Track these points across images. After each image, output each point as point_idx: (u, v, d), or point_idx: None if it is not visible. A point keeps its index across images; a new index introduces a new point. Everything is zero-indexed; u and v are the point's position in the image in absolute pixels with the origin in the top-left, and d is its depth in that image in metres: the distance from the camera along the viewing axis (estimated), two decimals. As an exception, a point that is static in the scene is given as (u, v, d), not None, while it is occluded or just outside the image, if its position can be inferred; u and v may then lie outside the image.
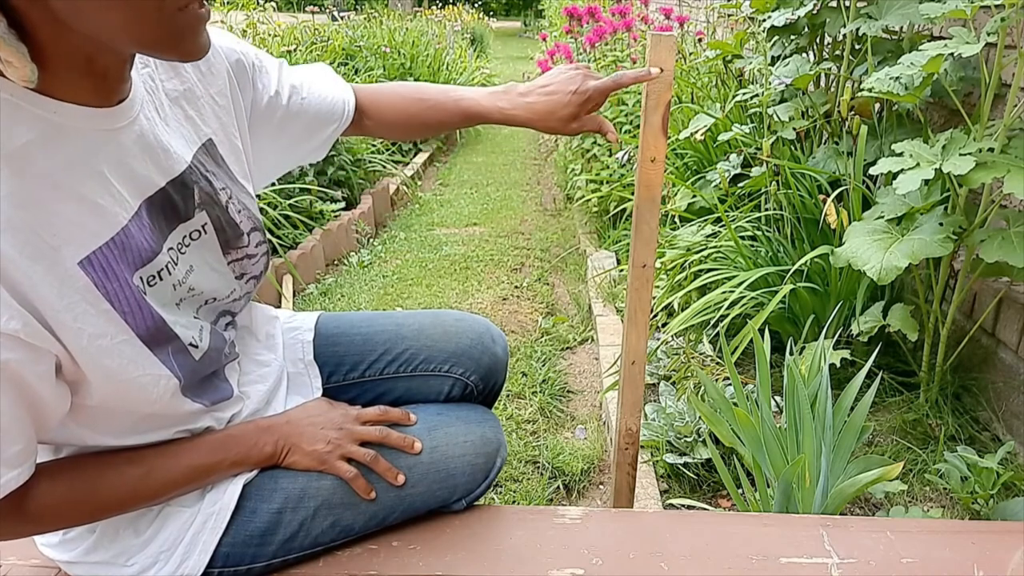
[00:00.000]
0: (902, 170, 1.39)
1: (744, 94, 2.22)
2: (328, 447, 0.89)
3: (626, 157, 2.85)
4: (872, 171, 1.54)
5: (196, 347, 0.78)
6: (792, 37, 2.24)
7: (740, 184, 2.26)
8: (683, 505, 1.53)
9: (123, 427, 0.78)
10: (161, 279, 0.75)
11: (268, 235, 2.94)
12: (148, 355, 0.72)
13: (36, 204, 0.64)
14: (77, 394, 0.71)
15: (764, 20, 2.16)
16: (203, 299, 0.82)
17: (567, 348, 2.42)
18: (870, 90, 1.54)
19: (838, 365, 1.65)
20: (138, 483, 0.78)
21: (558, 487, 1.72)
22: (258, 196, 1.07)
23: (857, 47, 1.99)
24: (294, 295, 2.77)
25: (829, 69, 2.08)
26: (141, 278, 0.72)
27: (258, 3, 4.33)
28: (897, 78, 1.52)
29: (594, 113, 1.03)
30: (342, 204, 3.42)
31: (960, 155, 1.36)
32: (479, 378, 1.09)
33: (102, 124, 0.69)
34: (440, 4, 13.75)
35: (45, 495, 0.73)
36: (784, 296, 1.79)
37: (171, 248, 0.77)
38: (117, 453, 0.79)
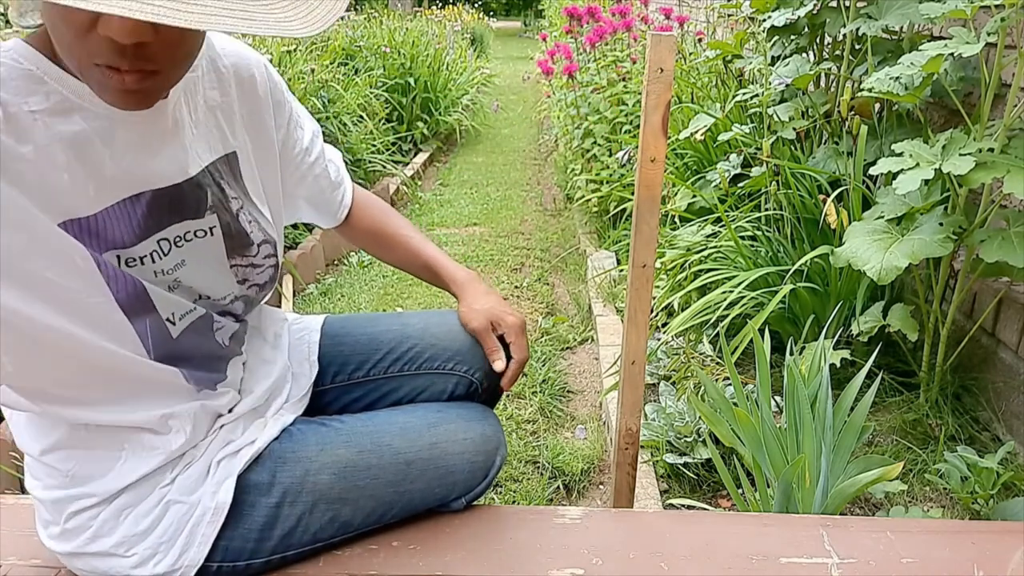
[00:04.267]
0: (902, 170, 1.39)
1: (744, 94, 2.22)
2: None
3: (626, 157, 2.85)
4: (872, 171, 1.54)
5: (173, 324, 0.79)
6: (792, 37, 2.24)
7: (740, 184, 2.26)
8: (683, 505, 1.53)
9: (96, 391, 0.78)
10: (142, 264, 0.76)
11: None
12: (124, 321, 0.74)
13: (32, 165, 0.66)
14: None
15: (764, 20, 2.16)
16: (195, 294, 0.83)
17: (567, 348, 2.42)
18: (870, 90, 1.54)
19: (838, 365, 1.65)
20: None
21: (558, 487, 1.72)
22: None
23: (857, 47, 1.99)
24: (294, 295, 2.77)
25: (829, 69, 2.08)
26: (118, 257, 0.74)
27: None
28: (897, 78, 1.52)
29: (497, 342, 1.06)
30: (342, 204, 3.41)
31: (960, 155, 1.36)
32: (483, 375, 1.10)
33: (123, 115, 0.71)
34: (440, 4, 13.75)
35: None
36: (784, 296, 1.79)
37: (164, 239, 0.78)
38: None
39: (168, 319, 0.78)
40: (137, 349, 0.76)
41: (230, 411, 0.89)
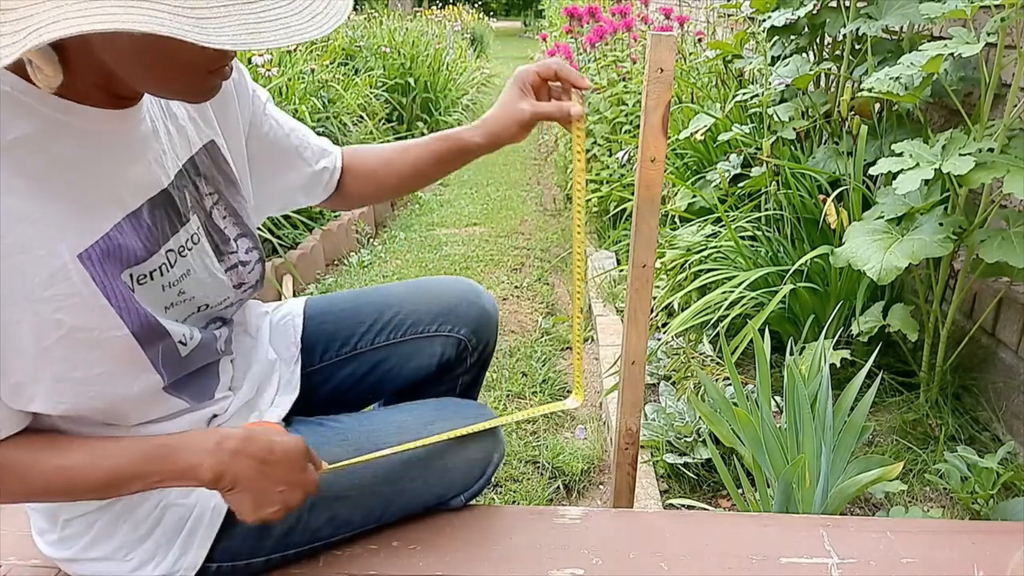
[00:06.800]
0: (902, 170, 1.39)
1: (744, 94, 2.22)
2: (276, 511, 0.79)
3: (626, 157, 2.85)
4: (872, 171, 1.54)
5: (185, 344, 0.78)
6: (792, 37, 2.24)
7: (740, 184, 2.26)
8: (683, 505, 1.53)
9: (115, 417, 0.78)
10: (152, 279, 0.75)
11: (269, 235, 2.90)
12: (138, 351, 0.72)
13: (31, 197, 0.64)
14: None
15: (764, 20, 2.16)
16: (195, 305, 0.82)
17: (567, 348, 2.42)
18: (870, 90, 1.54)
19: (838, 365, 1.65)
20: (54, 474, 0.72)
21: (558, 487, 1.72)
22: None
23: (857, 47, 1.99)
24: (294, 295, 2.77)
25: (829, 69, 2.08)
26: (131, 275, 0.72)
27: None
28: (897, 78, 1.52)
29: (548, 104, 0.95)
30: (342, 204, 3.41)
31: (960, 155, 1.36)
32: (470, 331, 1.10)
33: (110, 125, 0.70)
34: (440, 4, 13.75)
35: None
36: (784, 296, 1.79)
37: (171, 250, 0.77)
38: (43, 438, 0.73)
39: (180, 341, 0.78)
40: (152, 376, 0.75)
41: (214, 417, 0.89)
